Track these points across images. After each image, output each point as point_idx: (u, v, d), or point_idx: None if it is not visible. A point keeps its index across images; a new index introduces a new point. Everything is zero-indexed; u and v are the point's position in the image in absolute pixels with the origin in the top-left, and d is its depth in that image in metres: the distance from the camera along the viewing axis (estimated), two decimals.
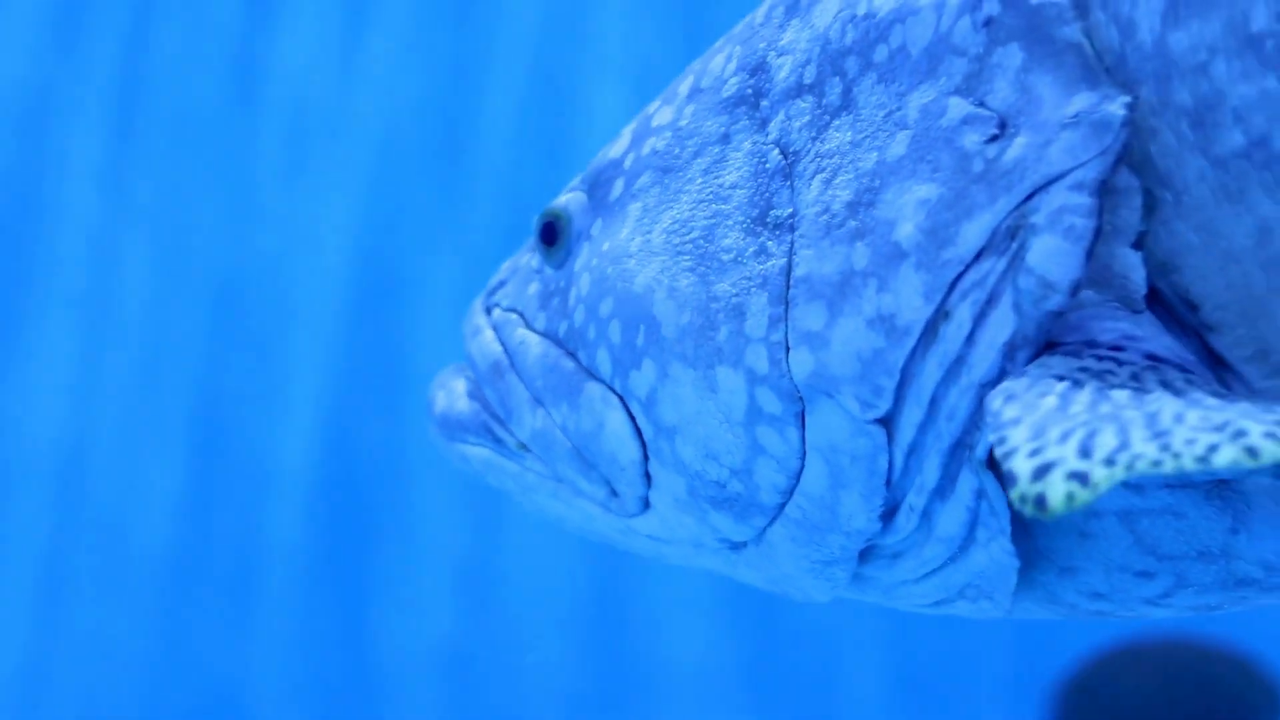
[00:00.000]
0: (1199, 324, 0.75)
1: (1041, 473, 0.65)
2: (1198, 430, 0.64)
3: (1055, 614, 0.89)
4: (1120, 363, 0.73)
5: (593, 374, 0.98)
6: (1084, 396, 0.70)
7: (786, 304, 0.86)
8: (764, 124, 0.90)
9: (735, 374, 0.88)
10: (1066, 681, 2.93)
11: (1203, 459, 0.62)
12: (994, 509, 0.82)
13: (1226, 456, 0.62)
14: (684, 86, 0.99)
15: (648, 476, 0.96)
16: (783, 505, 0.90)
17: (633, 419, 0.95)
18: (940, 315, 0.79)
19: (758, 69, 0.92)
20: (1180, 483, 0.77)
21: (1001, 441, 0.68)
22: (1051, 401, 0.70)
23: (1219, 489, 0.77)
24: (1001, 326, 0.78)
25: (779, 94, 0.90)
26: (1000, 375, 0.78)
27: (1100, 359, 0.74)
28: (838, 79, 0.86)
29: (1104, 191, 0.76)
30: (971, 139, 0.79)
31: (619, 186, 1.00)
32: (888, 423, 0.83)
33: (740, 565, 0.97)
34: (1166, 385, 0.71)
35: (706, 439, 0.91)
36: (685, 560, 1.02)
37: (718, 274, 0.90)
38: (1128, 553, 0.81)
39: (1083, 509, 0.67)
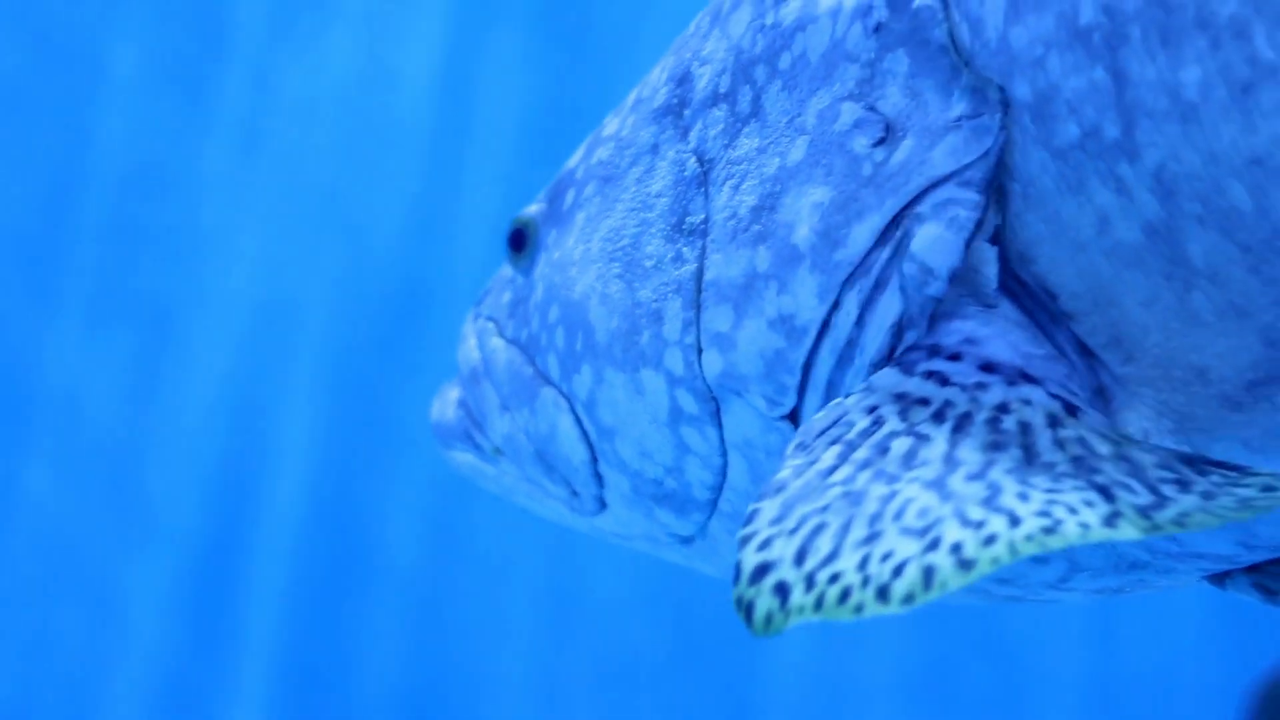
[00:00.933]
0: (1059, 313, 0.76)
1: (759, 575, 0.67)
2: (896, 542, 0.65)
3: (974, 600, 0.92)
4: (946, 382, 0.75)
5: (547, 379, 1.01)
6: (853, 461, 0.72)
7: (698, 308, 0.89)
8: (685, 133, 0.93)
9: (657, 376, 0.92)
10: (1263, 687, 2.99)
11: (882, 591, 0.64)
12: None
13: (904, 586, 0.64)
14: (631, 97, 1.02)
15: (599, 476, 0.99)
16: (715, 500, 0.94)
17: (580, 421, 0.99)
18: (834, 310, 0.82)
19: (683, 79, 0.95)
20: None
21: (750, 518, 0.70)
22: (826, 460, 0.72)
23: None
24: (889, 309, 0.80)
25: (698, 103, 0.93)
26: (889, 353, 0.81)
27: (928, 376, 0.76)
28: (748, 87, 0.89)
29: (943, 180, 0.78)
30: (861, 143, 0.81)
31: (570, 196, 1.03)
32: (795, 416, 0.86)
33: (694, 558, 1.01)
34: (924, 436, 0.72)
35: (640, 439, 0.95)
36: (654, 554, 1.05)
37: (641, 280, 0.93)
38: None
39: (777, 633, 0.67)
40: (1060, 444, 0.71)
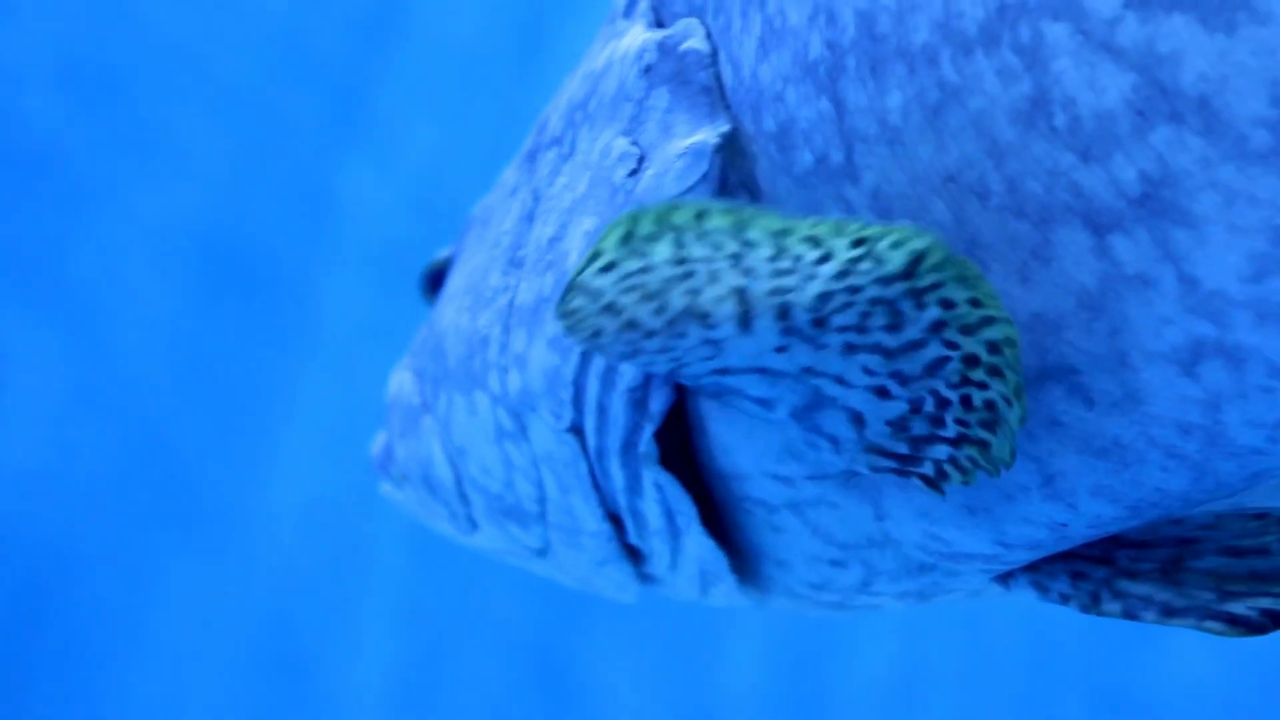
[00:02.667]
0: None
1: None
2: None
3: (801, 608, 0.96)
4: None
5: (427, 407, 1.08)
6: None
7: (508, 331, 0.95)
8: (532, 174, 0.99)
9: (485, 396, 0.98)
10: None
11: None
12: (675, 499, 0.91)
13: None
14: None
15: (464, 496, 1.06)
16: (543, 513, 0.99)
17: (445, 445, 1.05)
18: None
19: (542, 126, 1.01)
20: (818, 473, 0.84)
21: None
22: None
23: (855, 476, 0.83)
24: None
25: (543, 146, 0.99)
26: (643, 380, 0.86)
27: None
28: (571, 130, 0.95)
29: None
30: (619, 173, 0.87)
31: (465, 239, 1.10)
32: (579, 431, 0.92)
33: (551, 570, 1.07)
34: None
35: (481, 457, 1.01)
36: (526, 569, 1.11)
37: (481, 309, 0.99)
38: (813, 543, 0.88)
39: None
40: None
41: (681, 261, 0.71)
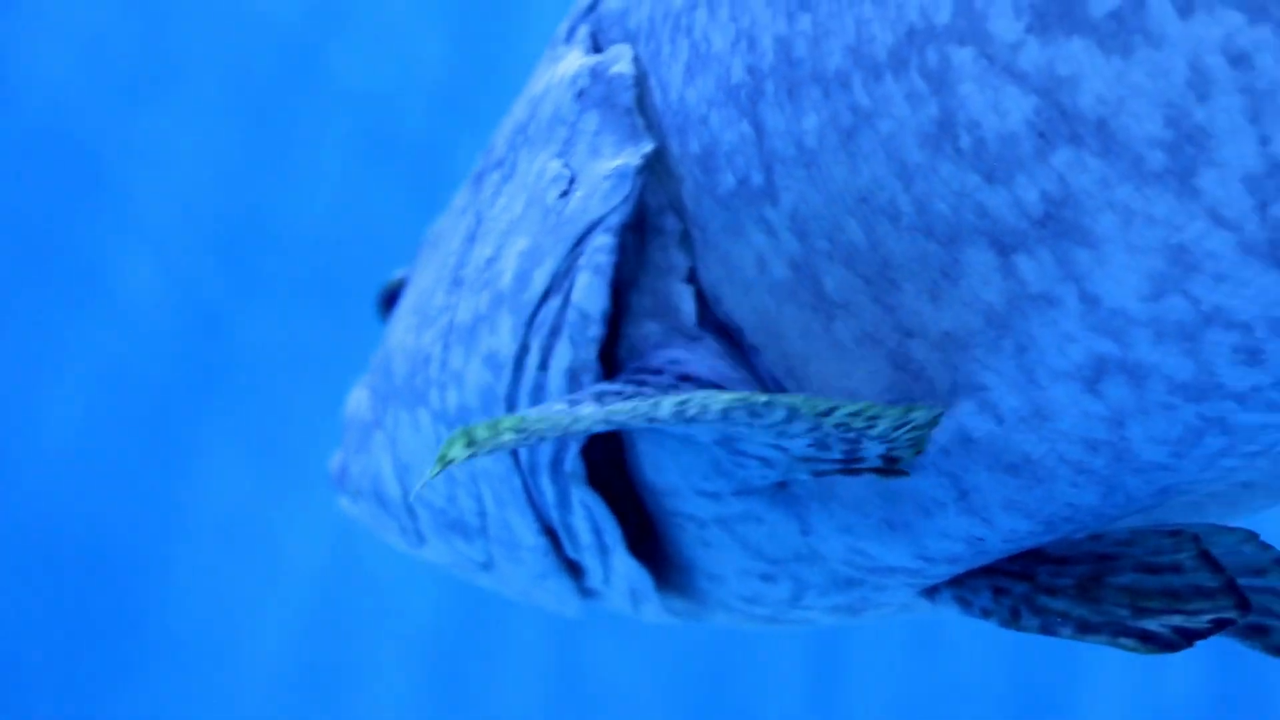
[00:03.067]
0: (748, 347, 0.83)
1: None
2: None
3: (736, 621, 0.98)
4: (644, 384, 0.82)
5: (378, 423, 1.10)
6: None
7: (448, 349, 0.97)
8: (478, 196, 1.01)
9: (427, 413, 1.00)
10: None
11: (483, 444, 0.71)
12: (601, 519, 0.92)
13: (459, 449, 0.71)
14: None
15: (411, 511, 1.07)
16: (484, 527, 1.01)
17: (394, 460, 1.07)
18: (523, 349, 0.89)
19: (490, 149, 1.03)
20: (744, 489, 0.86)
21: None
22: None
23: (781, 492, 0.85)
24: (563, 355, 0.87)
25: (488, 169, 1.01)
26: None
27: (630, 381, 0.83)
28: (512, 152, 0.97)
29: (648, 231, 0.85)
30: (552, 194, 0.89)
31: (419, 258, 1.12)
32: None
33: (496, 584, 1.08)
34: (629, 396, 0.80)
35: (423, 471, 1.03)
36: (473, 583, 1.13)
37: (425, 328, 1.01)
38: (743, 558, 0.90)
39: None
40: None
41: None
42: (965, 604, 0.85)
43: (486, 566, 1.06)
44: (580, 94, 0.90)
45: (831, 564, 0.87)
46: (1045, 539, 0.81)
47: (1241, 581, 0.82)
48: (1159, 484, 0.75)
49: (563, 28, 0.98)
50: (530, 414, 0.72)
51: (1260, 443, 0.72)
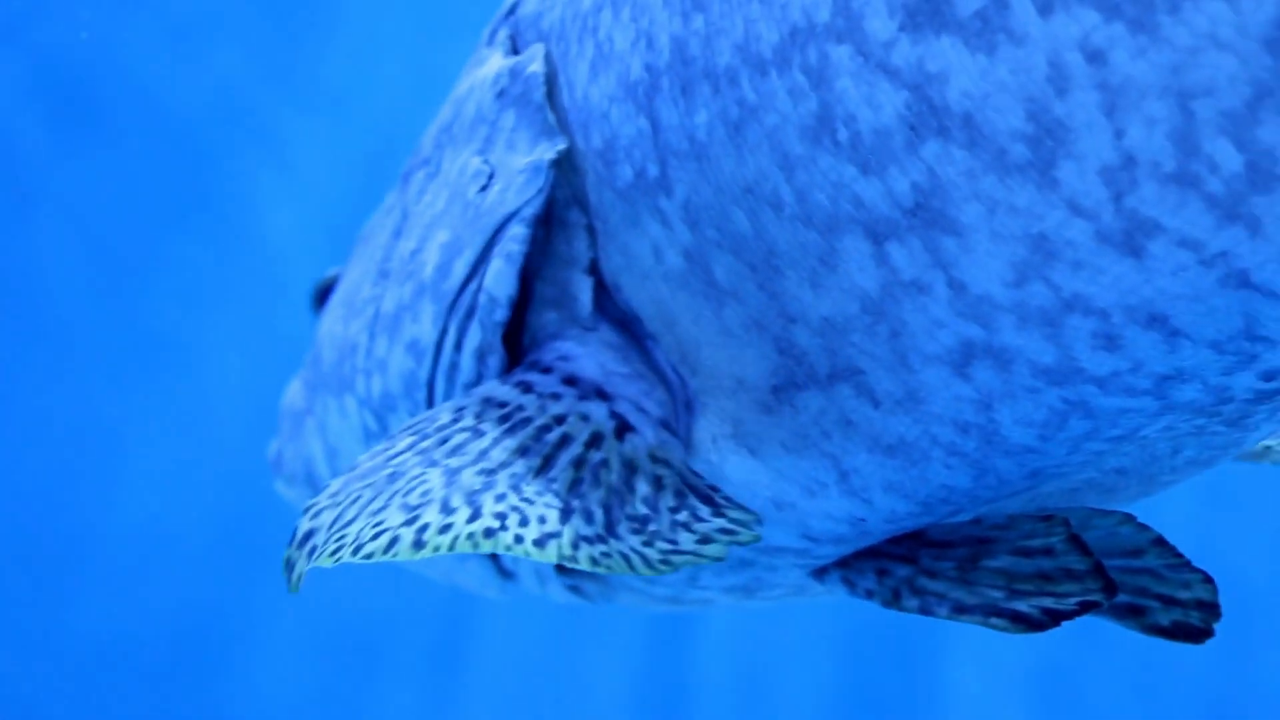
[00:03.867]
0: (645, 335, 0.86)
1: (303, 540, 0.80)
2: (392, 514, 0.78)
3: (641, 603, 1.01)
4: (529, 389, 0.86)
5: (309, 411, 1.14)
6: (416, 448, 0.84)
7: (373, 338, 1.00)
8: (405, 193, 1.05)
9: (353, 400, 1.03)
10: None
11: (357, 549, 0.76)
12: None
13: (371, 547, 0.76)
14: None
15: None
16: None
17: (324, 446, 1.11)
18: (443, 335, 0.93)
19: (417, 149, 1.07)
20: None
21: (322, 491, 0.83)
22: (398, 446, 0.85)
23: None
24: (474, 337, 0.91)
25: (415, 167, 1.05)
26: (477, 379, 0.91)
27: (517, 385, 0.87)
28: (438, 150, 1.01)
29: (554, 224, 0.89)
30: (473, 189, 0.93)
31: (352, 255, 1.16)
32: None
33: (424, 567, 1.11)
34: (482, 433, 0.84)
35: (351, 456, 1.06)
36: (408, 568, 1.16)
37: (353, 319, 1.05)
38: None
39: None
40: (577, 462, 0.82)
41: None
42: (850, 585, 0.89)
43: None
44: (500, 93, 0.94)
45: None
46: (924, 520, 0.84)
47: (1119, 563, 0.86)
48: (1029, 466, 0.79)
49: (486, 31, 1.01)
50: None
51: (1123, 427, 0.76)
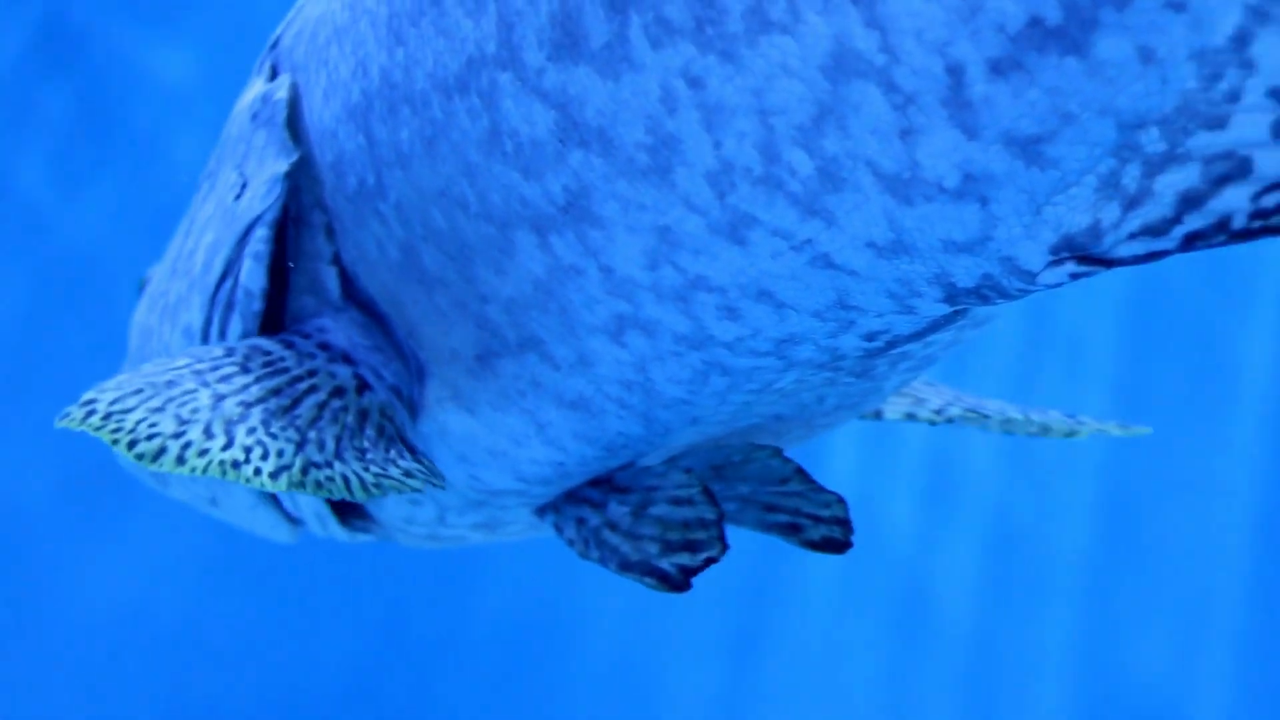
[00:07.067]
0: (381, 316, 1.01)
1: (85, 404, 0.94)
2: (164, 418, 0.92)
3: (407, 541, 1.17)
4: (290, 346, 1.02)
5: None
6: (192, 368, 0.98)
7: (163, 324, 1.16)
8: (195, 201, 1.20)
9: None
10: None
11: (132, 444, 0.90)
12: None
13: (144, 448, 0.90)
14: None
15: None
16: None
17: None
18: (208, 322, 1.08)
19: (208, 162, 1.22)
20: None
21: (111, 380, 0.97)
22: (179, 362, 0.99)
23: (414, 426, 1.04)
24: (236, 326, 1.06)
25: (204, 177, 1.19)
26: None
27: (282, 342, 1.02)
28: (217, 164, 1.16)
29: (302, 224, 1.05)
30: (230, 197, 1.09)
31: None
32: None
33: (224, 516, 1.26)
34: (249, 371, 0.98)
35: None
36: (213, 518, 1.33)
37: (152, 308, 1.21)
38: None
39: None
40: (321, 405, 0.96)
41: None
42: (559, 530, 1.05)
43: (213, 502, 1.24)
44: (254, 115, 1.09)
45: (459, 488, 1.06)
46: (612, 463, 1.00)
47: (774, 488, 1.02)
48: (687, 415, 0.94)
49: (257, 62, 1.16)
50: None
51: (758, 381, 0.91)
